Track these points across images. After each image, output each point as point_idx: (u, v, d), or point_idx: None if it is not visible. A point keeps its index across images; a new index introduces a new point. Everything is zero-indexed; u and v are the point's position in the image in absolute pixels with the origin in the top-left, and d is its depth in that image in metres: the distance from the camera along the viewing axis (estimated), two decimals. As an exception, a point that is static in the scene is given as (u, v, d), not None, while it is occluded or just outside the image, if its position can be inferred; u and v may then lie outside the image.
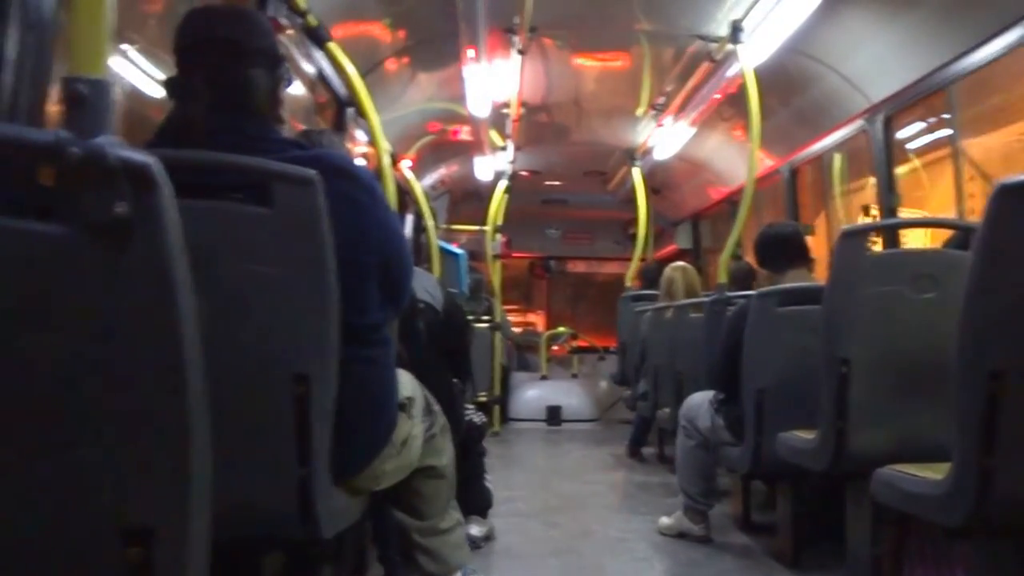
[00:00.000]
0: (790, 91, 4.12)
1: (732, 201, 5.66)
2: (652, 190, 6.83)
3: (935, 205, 4.18)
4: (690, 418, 3.01)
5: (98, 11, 0.76)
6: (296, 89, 3.21)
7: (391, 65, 4.18)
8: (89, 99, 0.73)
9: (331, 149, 1.72)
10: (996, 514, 1.41)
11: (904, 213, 3.83)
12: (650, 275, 5.93)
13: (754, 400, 2.54)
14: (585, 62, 4.74)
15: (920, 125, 4.06)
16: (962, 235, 2.22)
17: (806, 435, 2.26)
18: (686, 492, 2.98)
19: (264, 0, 2.45)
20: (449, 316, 2.69)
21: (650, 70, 4.72)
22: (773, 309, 2.52)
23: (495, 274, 6.30)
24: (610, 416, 6.67)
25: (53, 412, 0.75)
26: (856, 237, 2.09)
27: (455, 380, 2.68)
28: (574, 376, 7.47)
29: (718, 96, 4.47)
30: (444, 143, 5.97)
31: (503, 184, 6.27)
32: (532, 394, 6.93)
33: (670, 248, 7.93)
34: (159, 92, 2.14)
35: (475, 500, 2.85)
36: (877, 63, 3.44)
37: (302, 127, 2.82)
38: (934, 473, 1.56)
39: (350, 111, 3.64)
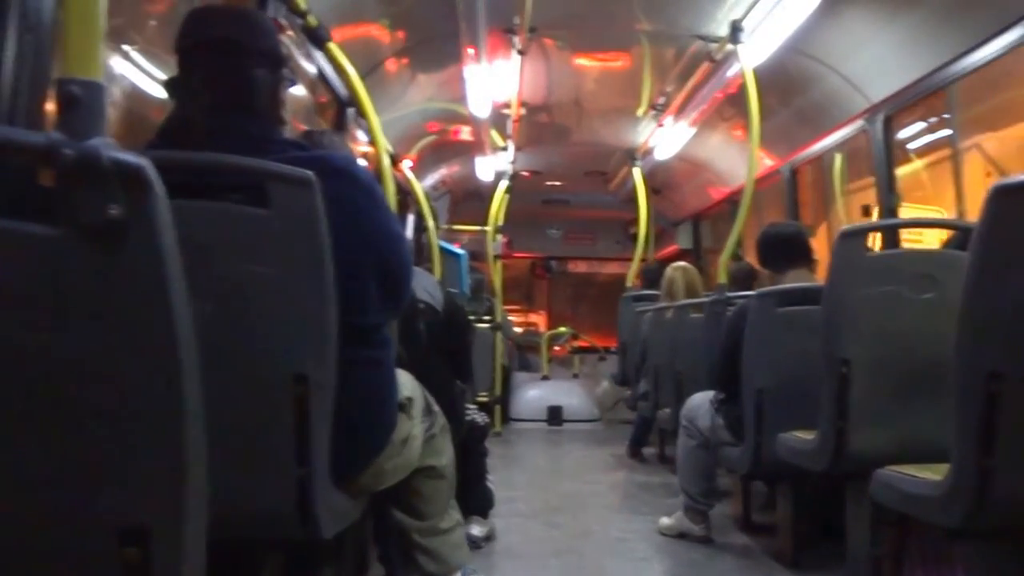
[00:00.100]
0: (790, 91, 4.12)
1: (733, 201, 5.65)
2: (653, 190, 6.82)
3: (947, 202, 4.17)
4: (691, 418, 3.01)
5: (91, 13, 0.76)
6: (297, 89, 3.20)
7: (391, 65, 4.18)
8: (82, 101, 0.73)
9: (333, 150, 1.72)
10: (995, 515, 1.41)
11: (910, 211, 3.82)
12: (651, 275, 5.93)
13: (754, 400, 2.55)
14: (585, 62, 4.73)
15: (921, 125, 4.06)
16: (962, 235, 2.22)
17: (806, 435, 2.26)
18: (687, 492, 2.98)
19: (264, 0, 2.45)
20: (450, 316, 2.69)
21: (650, 70, 4.72)
22: (773, 309, 2.52)
23: (496, 274, 6.29)
24: (611, 416, 6.66)
25: (48, 413, 0.75)
26: (855, 237, 2.08)
27: (457, 381, 2.68)
28: (575, 376, 7.47)
29: (718, 96, 4.47)
30: (445, 143, 5.97)
31: (504, 184, 6.28)
32: (533, 394, 6.93)
33: (671, 248, 7.92)
34: (159, 92, 2.14)
35: (477, 500, 2.85)
36: (877, 63, 3.44)
37: (304, 128, 2.82)
38: (933, 474, 1.56)
39: (351, 111, 3.64)
